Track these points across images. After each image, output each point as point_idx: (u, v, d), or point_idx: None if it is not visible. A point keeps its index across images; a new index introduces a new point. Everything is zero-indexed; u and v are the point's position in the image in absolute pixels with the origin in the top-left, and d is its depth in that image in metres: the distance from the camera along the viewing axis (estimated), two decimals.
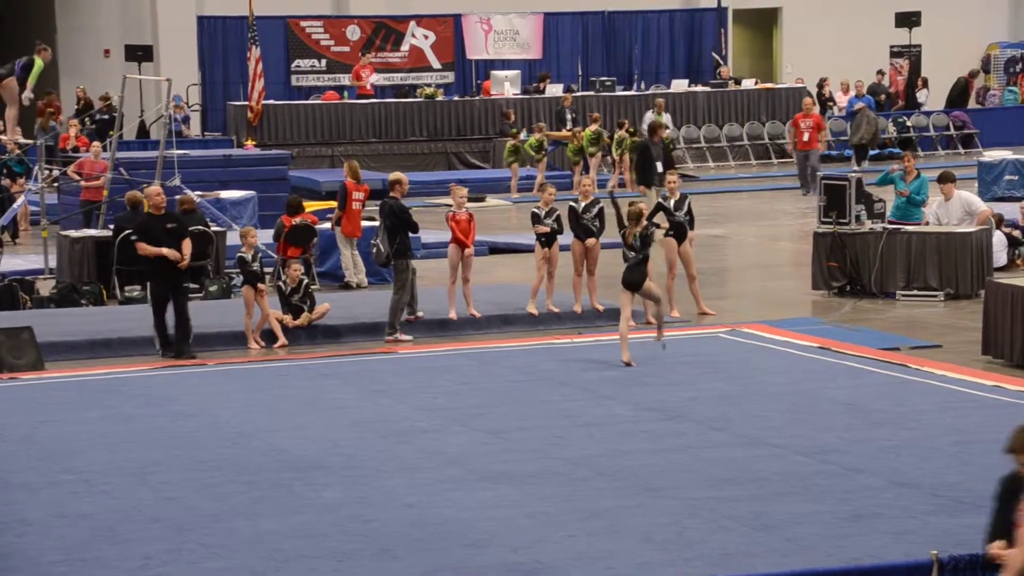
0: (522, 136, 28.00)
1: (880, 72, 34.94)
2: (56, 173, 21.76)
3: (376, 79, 32.00)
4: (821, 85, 34.01)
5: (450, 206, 15.99)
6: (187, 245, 14.46)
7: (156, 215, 14.63)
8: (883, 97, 33.93)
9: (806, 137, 26.47)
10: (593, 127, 28.20)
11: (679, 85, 32.75)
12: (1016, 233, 18.90)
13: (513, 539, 8.38)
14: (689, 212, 15.93)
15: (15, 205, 20.95)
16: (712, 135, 32.39)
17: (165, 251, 14.24)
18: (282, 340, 14.77)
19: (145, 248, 14.35)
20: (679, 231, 15.75)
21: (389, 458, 10.25)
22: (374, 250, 15.57)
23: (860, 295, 16.78)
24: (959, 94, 35.18)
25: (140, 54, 30.32)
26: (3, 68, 17.96)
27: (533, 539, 8.38)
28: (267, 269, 15.85)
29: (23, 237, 22.54)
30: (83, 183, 20.80)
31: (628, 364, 12.98)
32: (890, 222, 17.19)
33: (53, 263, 18.46)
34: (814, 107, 28.01)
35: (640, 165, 21.91)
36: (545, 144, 27.66)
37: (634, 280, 13.29)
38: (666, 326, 14.01)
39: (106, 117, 28.31)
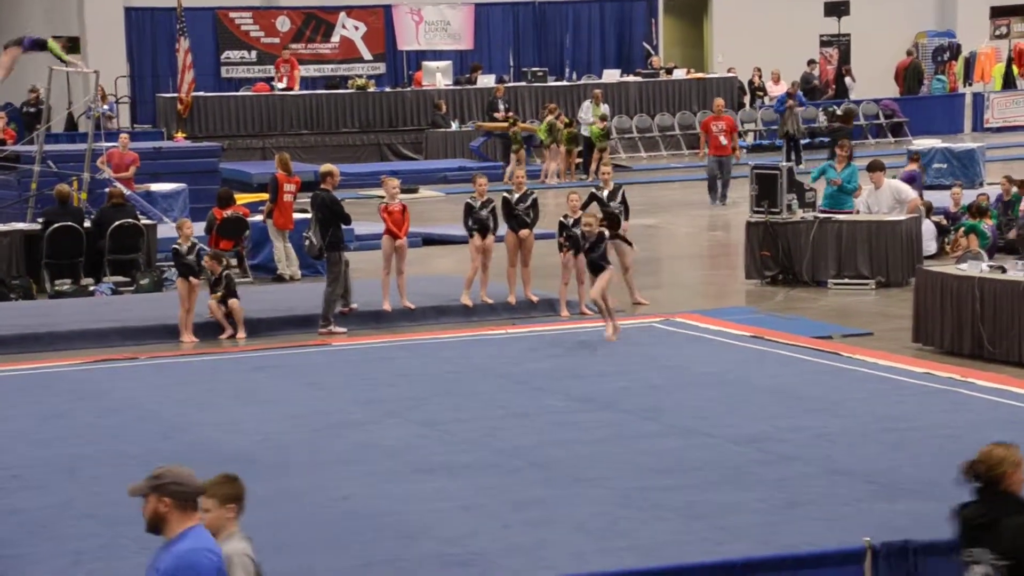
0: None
1: (811, 61, 35.22)
2: None
3: (306, 70, 31.83)
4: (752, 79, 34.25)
5: (383, 198, 15.94)
6: None
7: None
8: (814, 84, 34.25)
9: (723, 141, 24.13)
10: (549, 118, 28.21)
11: (611, 75, 32.83)
12: (945, 221, 19.13)
13: (448, 530, 8.37)
14: (623, 202, 15.97)
15: None
16: (644, 125, 32.49)
17: None
18: (229, 331, 14.58)
19: None
20: (612, 221, 15.77)
21: (323, 451, 10.20)
22: (307, 242, 15.48)
23: (792, 284, 16.91)
24: (913, 74, 35.57)
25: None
26: (14, 39, 18.46)
27: (468, 530, 8.38)
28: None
29: None
30: (112, 174, 20.36)
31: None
32: (821, 210, 17.33)
33: None
34: (725, 109, 26.39)
35: None
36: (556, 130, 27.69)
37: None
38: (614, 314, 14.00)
39: (33, 110, 27.96)
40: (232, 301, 14.76)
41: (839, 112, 30.73)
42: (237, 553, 5.40)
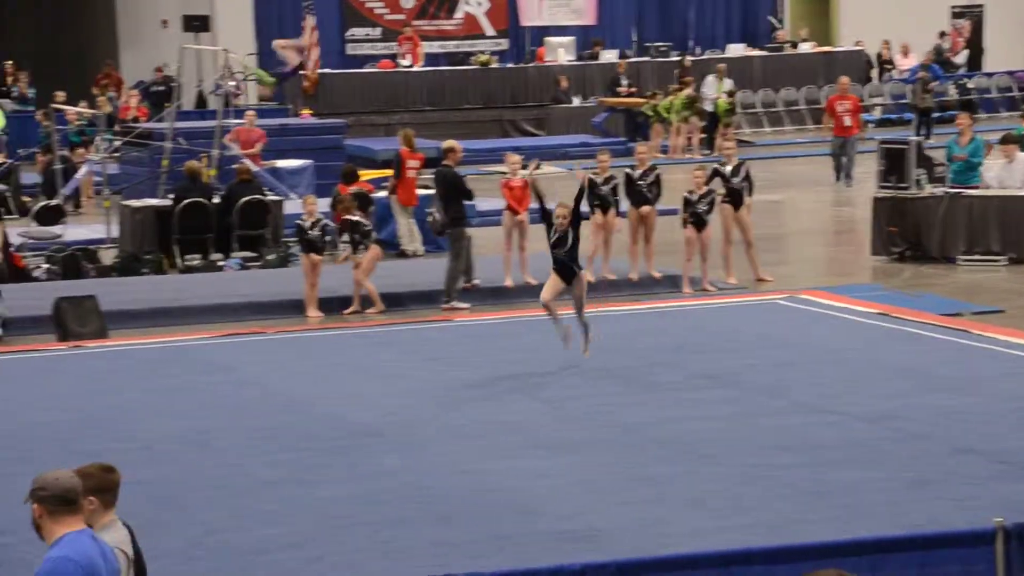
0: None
1: (942, 33, 34.48)
2: (117, 143, 21.92)
3: (430, 47, 31.95)
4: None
5: (504, 174, 15.96)
6: None
7: None
8: (946, 57, 33.49)
9: (847, 121, 23.16)
10: (687, 91, 28.03)
11: (735, 49, 32.47)
12: None
13: (566, 507, 8.38)
14: (747, 178, 15.82)
15: (78, 175, 21.12)
16: (768, 100, 32.10)
17: None
18: (356, 307, 14.69)
19: None
20: (735, 197, 15.66)
21: (445, 426, 10.27)
22: (430, 218, 15.56)
23: (920, 260, 16.61)
24: None
25: (197, 24, 30.41)
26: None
27: (586, 507, 8.38)
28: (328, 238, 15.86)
29: (86, 206, 22.73)
30: (239, 151, 20.70)
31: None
32: (951, 186, 16.99)
33: (115, 232, 18.61)
34: (850, 87, 25.36)
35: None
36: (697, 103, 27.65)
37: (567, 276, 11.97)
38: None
39: (162, 88, 28.46)
40: (372, 249, 14.72)
41: (969, 85, 30.04)
42: (111, 547, 5.18)
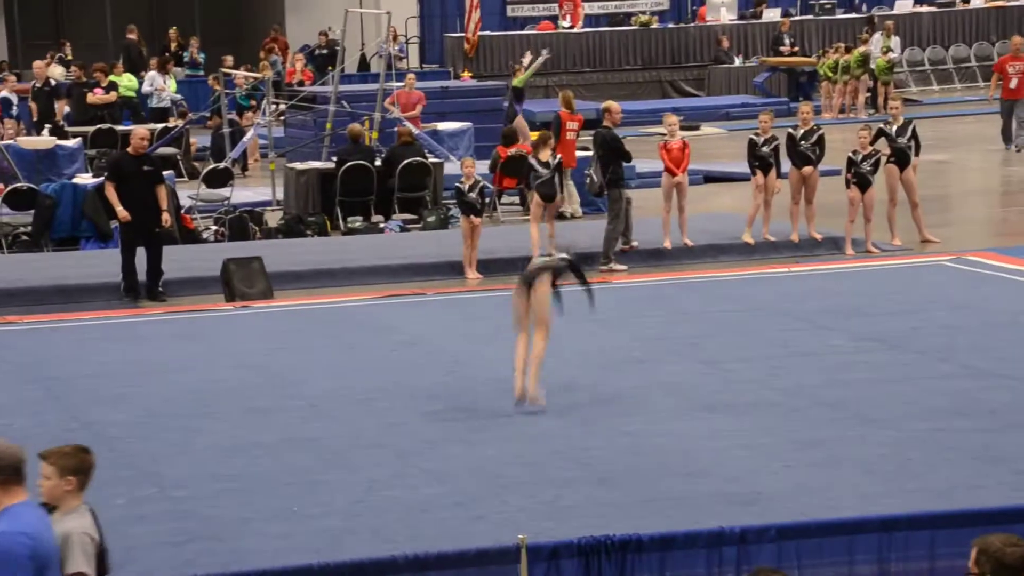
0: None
1: None
2: (283, 106, 22.30)
3: (590, 8, 31.82)
4: None
5: (663, 135, 15.86)
6: (161, 192, 13.99)
7: (133, 155, 14.18)
8: None
9: (1013, 84, 21.91)
10: (862, 48, 27.56)
11: (903, 5, 31.72)
12: None
13: (730, 469, 8.33)
14: (913, 137, 15.49)
15: (245, 138, 21.57)
16: (937, 57, 31.32)
17: (120, 214, 13.83)
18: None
19: (111, 196, 13.98)
20: (901, 157, 15.34)
21: (605, 388, 10.28)
22: (588, 180, 15.55)
23: None
24: None
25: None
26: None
27: (751, 469, 8.32)
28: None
29: (252, 169, 23.20)
30: (400, 114, 20.98)
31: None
32: None
33: (280, 195, 18.96)
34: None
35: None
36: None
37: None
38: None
39: (325, 52, 28.86)
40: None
41: None
42: (76, 531, 5.15)
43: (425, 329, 12.43)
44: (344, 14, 22.12)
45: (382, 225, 17.82)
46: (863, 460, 8.38)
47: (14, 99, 22.86)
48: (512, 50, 30.15)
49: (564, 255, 9.90)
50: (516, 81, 22.36)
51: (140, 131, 15.01)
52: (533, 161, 15.07)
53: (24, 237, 16.65)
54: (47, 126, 21.54)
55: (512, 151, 18.17)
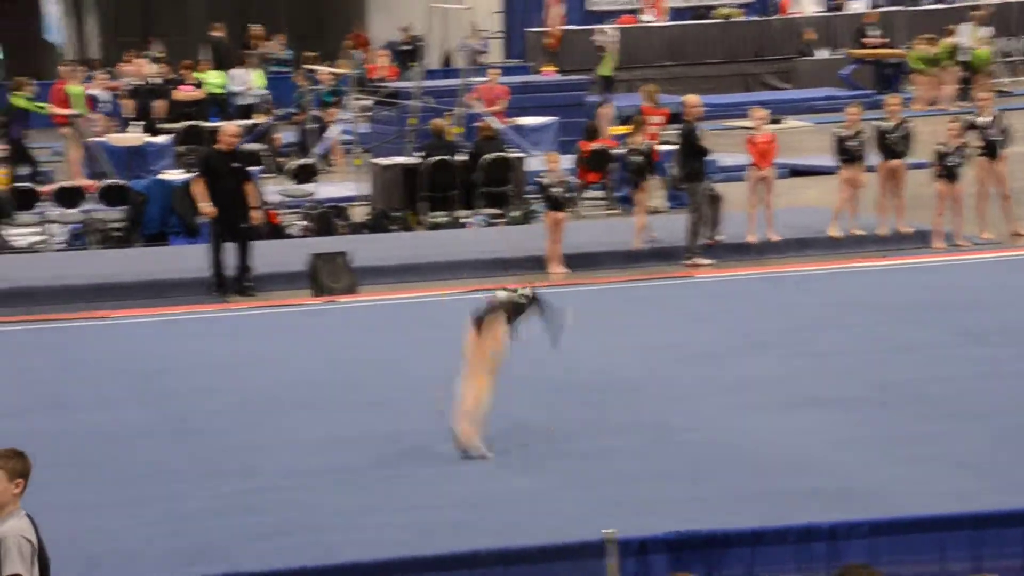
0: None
1: None
2: (366, 102, 22.40)
3: (673, 1, 31.68)
4: None
5: (749, 128, 15.77)
6: (251, 189, 14.18)
7: (224, 152, 14.32)
8: None
9: None
10: (951, 39, 27.21)
11: None
12: None
13: (822, 465, 8.28)
14: (1003, 130, 15.27)
15: (330, 134, 21.70)
16: None
17: (204, 209, 14.02)
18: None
19: (198, 193, 14.17)
20: (991, 149, 15.14)
21: (693, 382, 10.24)
22: (669, 174, 15.51)
23: None
24: None
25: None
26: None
27: (842, 465, 8.26)
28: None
29: (337, 165, 23.34)
30: (483, 108, 20.98)
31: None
32: None
33: (366, 190, 19.06)
34: None
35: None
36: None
37: None
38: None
39: (408, 47, 28.96)
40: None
41: None
42: (14, 534, 5.20)
43: None
44: (427, 10, 22.16)
45: (466, 220, 17.87)
46: (957, 455, 8.30)
47: (106, 96, 23.15)
48: (594, 44, 30.08)
49: (527, 291, 8.96)
50: (603, 69, 22.23)
51: (230, 128, 15.18)
52: (624, 149, 15.07)
53: (116, 233, 16.89)
54: (141, 123, 21.78)
55: (595, 145, 18.14)
